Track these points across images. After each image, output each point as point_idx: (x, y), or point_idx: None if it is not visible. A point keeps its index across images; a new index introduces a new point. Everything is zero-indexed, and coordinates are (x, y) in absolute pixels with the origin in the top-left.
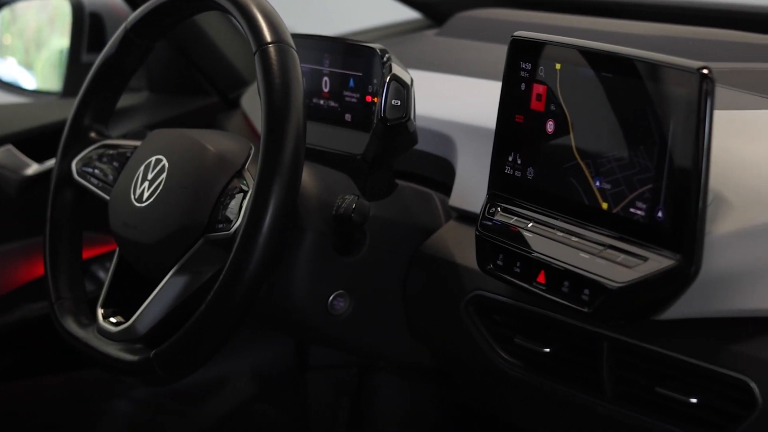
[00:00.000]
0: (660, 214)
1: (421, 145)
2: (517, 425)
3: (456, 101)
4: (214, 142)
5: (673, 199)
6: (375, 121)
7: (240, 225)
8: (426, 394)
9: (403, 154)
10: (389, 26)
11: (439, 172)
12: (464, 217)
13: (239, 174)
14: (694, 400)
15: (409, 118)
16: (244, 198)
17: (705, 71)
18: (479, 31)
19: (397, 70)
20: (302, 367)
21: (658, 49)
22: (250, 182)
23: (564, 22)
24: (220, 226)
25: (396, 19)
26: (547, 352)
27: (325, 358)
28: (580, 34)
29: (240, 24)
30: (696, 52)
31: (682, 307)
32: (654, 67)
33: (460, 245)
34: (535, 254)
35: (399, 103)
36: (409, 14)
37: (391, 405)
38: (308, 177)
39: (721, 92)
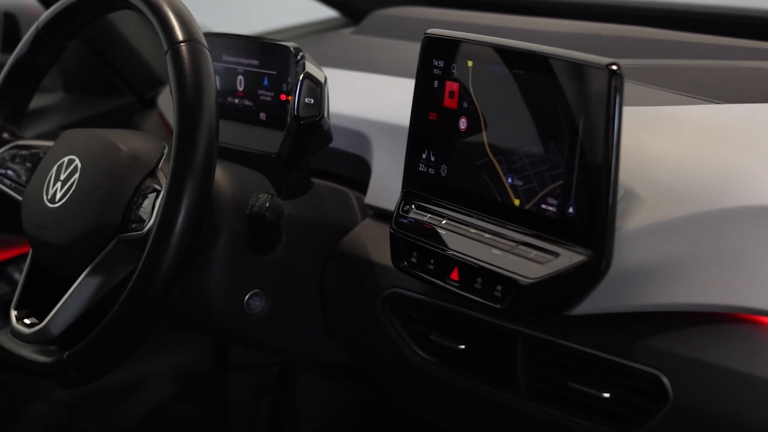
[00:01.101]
0: (571, 210)
1: (336, 143)
2: (436, 423)
3: (372, 99)
4: (127, 141)
5: (583, 195)
6: (288, 120)
7: (153, 225)
8: (347, 393)
9: (319, 153)
10: (307, 25)
11: (356, 170)
12: (380, 214)
13: (152, 174)
14: (607, 395)
15: (323, 116)
16: (157, 197)
17: (614, 67)
18: (395, 29)
19: (310, 68)
20: (223, 366)
21: (571, 47)
22: (163, 182)
23: (479, 20)
24: (134, 226)
25: (316, 17)
26: (462, 349)
27: (246, 357)
28: (494, 31)
29: (152, 23)
30: (608, 49)
31: (594, 303)
32: (564, 63)
33: (376, 243)
34: (449, 251)
35: (312, 102)
36: (329, 13)
37: (312, 404)
38: (223, 176)
39: (632, 88)
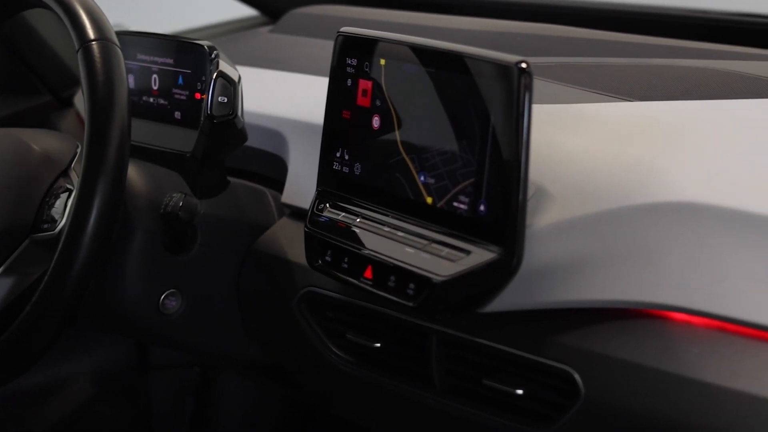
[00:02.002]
0: (482, 207)
1: (253, 142)
2: (356, 422)
3: (288, 98)
4: (40, 141)
5: (494, 193)
6: (202, 119)
7: (64, 225)
8: (270, 392)
9: (235, 151)
10: (225, 23)
11: (272, 169)
12: (297, 213)
13: (65, 173)
14: (520, 392)
15: (236, 115)
16: (69, 197)
17: (523, 65)
18: (312, 28)
19: (224, 67)
20: (144, 367)
21: (486, 45)
22: (75, 181)
23: (396, 19)
24: (46, 226)
25: (236, 15)
26: (377, 347)
27: (168, 357)
28: (410, 30)
29: (63, 21)
30: (523, 48)
31: (507, 300)
32: (474, 61)
33: (293, 242)
34: (362, 250)
35: (226, 100)
36: (249, 11)
37: (234, 404)
38: (137, 175)
39: (546, 86)
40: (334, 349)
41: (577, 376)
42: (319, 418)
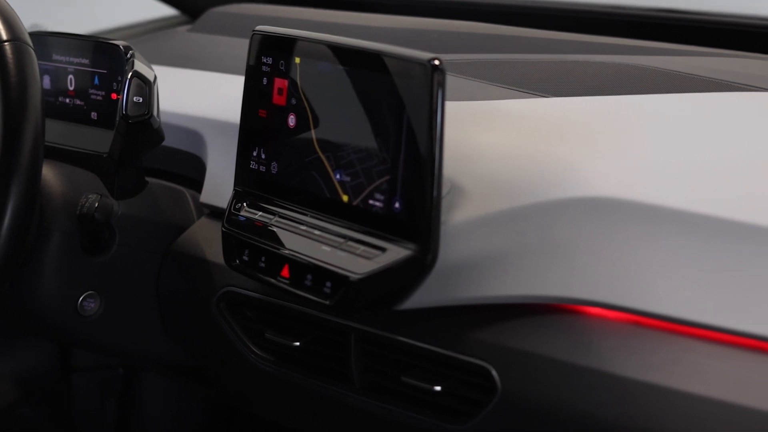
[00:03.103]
0: (397, 205)
1: (171, 142)
2: (280, 423)
3: (206, 97)
4: None
5: (408, 190)
6: (118, 119)
7: None
8: (194, 394)
9: (153, 151)
10: (145, 23)
11: (191, 169)
12: (216, 213)
13: None
14: (438, 388)
15: (152, 115)
16: None
17: (436, 62)
18: (231, 27)
19: (139, 66)
20: (66, 368)
21: (402, 43)
22: None
23: (313, 17)
24: None
25: (156, 15)
26: (296, 346)
27: (91, 359)
28: (327, 28)
29: None
30: (438, 45)
31: (423, 297)
32: (388, 59)
33: (212, 242)
34: (279, 249)
35: (141, 100)
36: (168, 11)
37: (158, 406)
38: (53, 177)
39: (461, 83)
40: (253, 349)
41: (493, 372)
42: (244, 419)
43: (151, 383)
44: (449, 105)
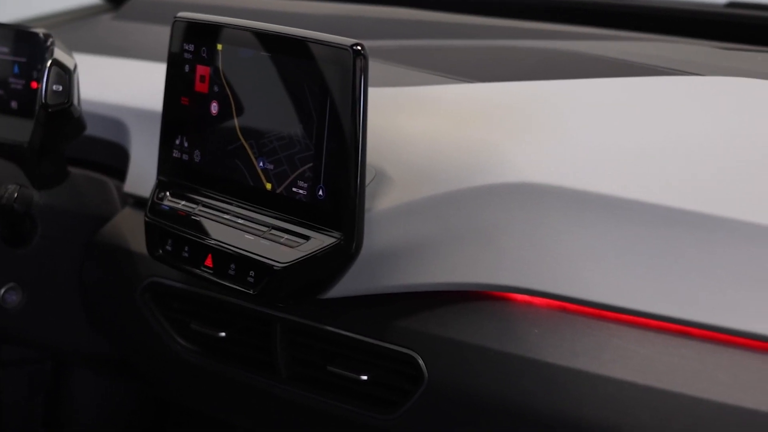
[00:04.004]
0: (321, 192)
1: (94, 131)
2: (207, 413)
3: (129, 85)
4: None
5: (332, 178)
6: (37, 108)
7: None
8: (124, 386)
9: (75, 141)
10: (68, 12)
11: (114, 158)
12: (140, 203)
13: None
14: (364, 377)
15: (72, 104)
16: None
17: (358, 48)
18: (154, 14)
19: (59, 54)
20: None
21: (328, 29)
22: None
23: (238, 4)
24: None
25: (81, 4)
26: (222, 337)
27: (19, 352)
28: (251, 15)
29: None
30: (365, 31)
31: (348, 285)
32: (310, 44)
33: (136, 232)
34: (202, 238)
35: (61, 89)
36: None
37: (87, 400)
38: None
39: (387, 69)
40: (179, 340)
41: (420, 360)
42: (175, 410)
43: (80, 377)
44: (375, 91)
